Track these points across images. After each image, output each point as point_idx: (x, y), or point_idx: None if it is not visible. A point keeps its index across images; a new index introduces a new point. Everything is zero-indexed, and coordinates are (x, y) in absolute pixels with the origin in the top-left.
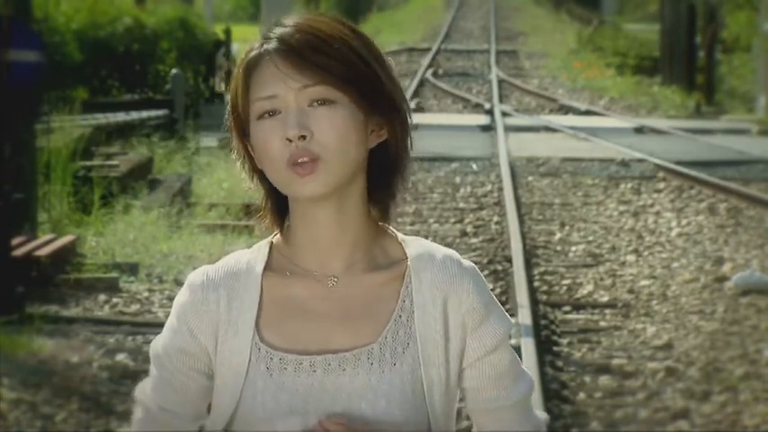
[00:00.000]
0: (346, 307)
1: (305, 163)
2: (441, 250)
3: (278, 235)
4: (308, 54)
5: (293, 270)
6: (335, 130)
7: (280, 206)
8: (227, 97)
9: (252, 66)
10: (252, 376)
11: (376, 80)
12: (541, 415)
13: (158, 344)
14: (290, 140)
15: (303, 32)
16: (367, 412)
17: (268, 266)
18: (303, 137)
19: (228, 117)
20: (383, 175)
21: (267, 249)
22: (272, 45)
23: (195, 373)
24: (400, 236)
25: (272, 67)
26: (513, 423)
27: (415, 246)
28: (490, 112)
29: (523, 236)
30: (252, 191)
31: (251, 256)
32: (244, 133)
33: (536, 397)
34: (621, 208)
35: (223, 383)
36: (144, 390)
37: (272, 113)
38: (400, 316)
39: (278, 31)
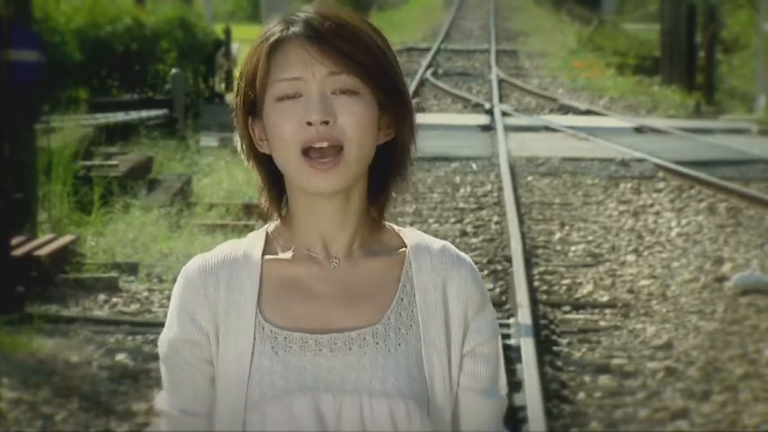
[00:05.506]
0: (348, 289)
1: (325, 152)
2: (437, 240)
3: (272, 225)
4: (337, 42)
5: (293, 253)
6: (357, 120)
7: (278, 189)
8: (237, 84)
9: (276, 47)
10: (257, 356)
11: (394, 76)
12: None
13: (164, 342)
14: (311, 124)
15: (331, 20)
16: (377, 389)
17: (267, 251)
18: (326, 122)
19: (236, 94)
20: (383, 174)
21: (263, 236)
22: (300, 29)
23: (204, 363)
24: (396, 227)
25: (299, 50)
26: (492, 419)
27: (412, 235)
28: (490, 112)
29: (523, 236)
30: (253, 190)
31: (247, 242)
32: (251, 113)
33: (536, 397)
34: (621, 208)
35: (226, 368)
36: (162, 399)
37: (293, 96)
38: (402, 299)
39: (303, 16)
